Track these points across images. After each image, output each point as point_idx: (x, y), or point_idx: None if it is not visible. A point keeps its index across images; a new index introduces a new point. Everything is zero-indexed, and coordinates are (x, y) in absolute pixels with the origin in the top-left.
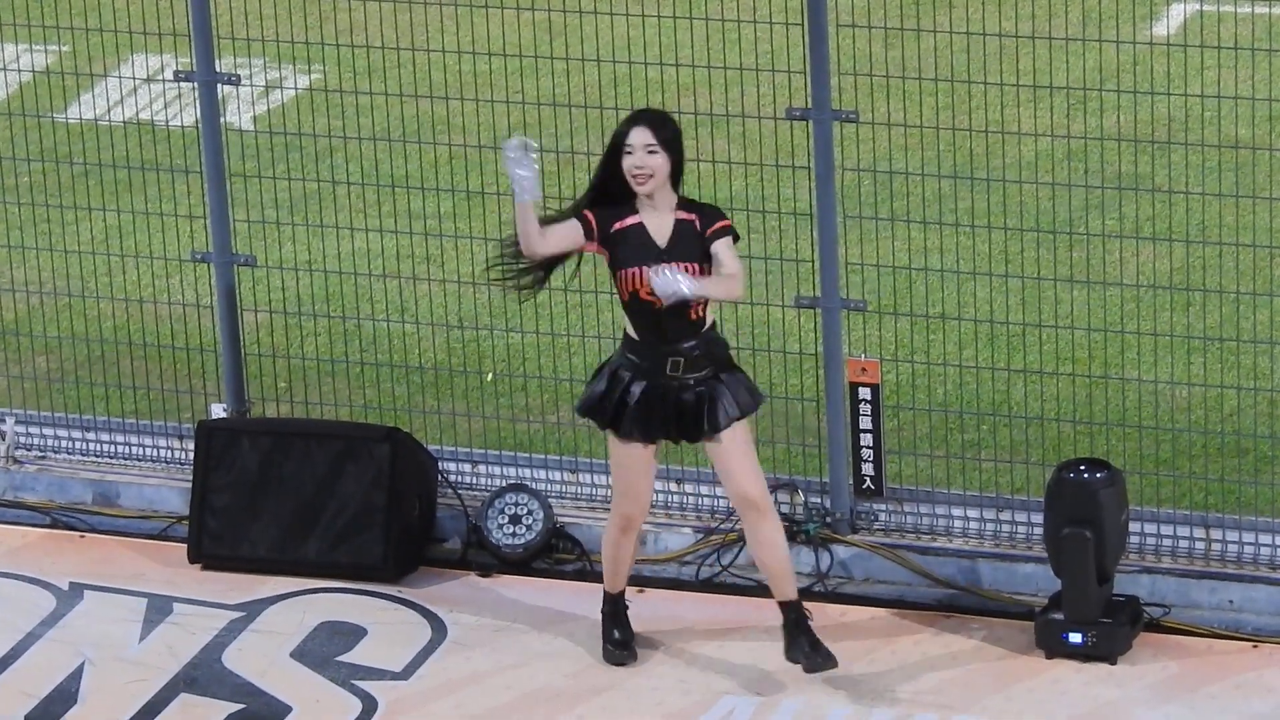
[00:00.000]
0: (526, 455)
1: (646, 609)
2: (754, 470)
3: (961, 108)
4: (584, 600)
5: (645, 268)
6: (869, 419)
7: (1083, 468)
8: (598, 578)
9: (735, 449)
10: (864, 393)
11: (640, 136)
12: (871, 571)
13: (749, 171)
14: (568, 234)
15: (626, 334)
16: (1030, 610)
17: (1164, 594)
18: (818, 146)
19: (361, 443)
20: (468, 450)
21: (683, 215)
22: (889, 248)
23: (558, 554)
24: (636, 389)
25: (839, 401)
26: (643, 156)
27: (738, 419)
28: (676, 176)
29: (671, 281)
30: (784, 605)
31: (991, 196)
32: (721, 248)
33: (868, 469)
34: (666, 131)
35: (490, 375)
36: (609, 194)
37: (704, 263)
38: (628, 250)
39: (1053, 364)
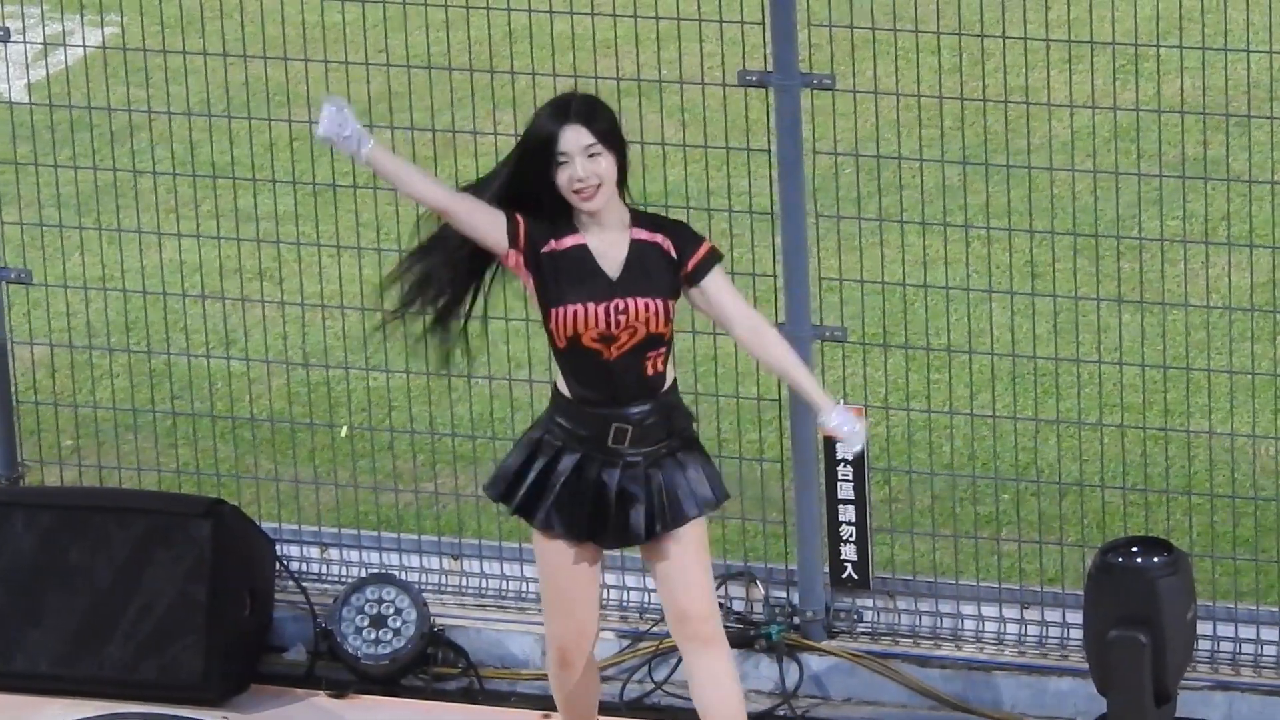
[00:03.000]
0: (394, 536)
1: None
2: (704, 584)
3: (974, 71)
4: None
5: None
6: (850, 486)
7: (1135, 550)
8: (491, 698)
9: (685, 555)
10: (843, 450)
11: (575, 138)
12: (854, 689)
13: (689, 156)
14: (486, 218)
15: (556, 391)
16: None
17: (1245, 717)
18: (781, 123)
19: (175, 520)
20: (315, 530)
21: (642, 235)
22: (877, 258)
23: (436, 666)
24: (565, 465)
25: (810, 463)
26: (584, 164)
27: (694, 518)
28: (623, 177)
29: (855, 432)
30: None
31: (1014, 190)
32: (715, 286)
33: (848, 553)
34: (603, 121)
35: (346, 430)
36: (526, 208)
37: (668, 298)
38: (566, 281)
39: (1096, 413)
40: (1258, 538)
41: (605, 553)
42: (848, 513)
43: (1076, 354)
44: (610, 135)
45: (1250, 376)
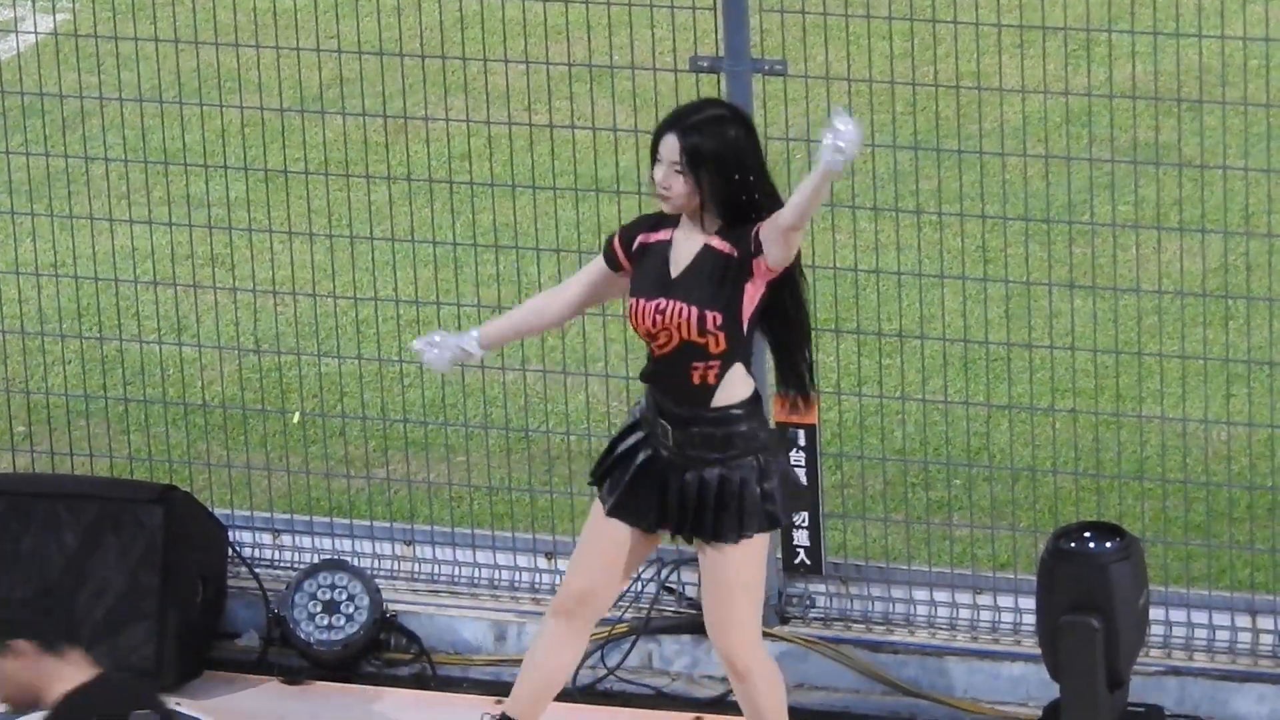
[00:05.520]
0: (346, 522)
1: None
2: (725, 617)
3: (925, 56)
4: (425, 715)
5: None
6: (803, 471)
7: (1088, 535)
8: (444, 684)
9: (713, 582)
10: (795, 436)
11: (669, 148)
12: (807, 675)
13: (641, 142)
14: (591, 281)
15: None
16: None
17: (1196, 702)
18: None
19: (126, 506)
20: (268, 515)
21: (717, 243)
22: (828, 243)
23: (388, 652)
24: (643, 453)
25: None
26: (666, 174)
27: (730, 543)
28: (728, 208)
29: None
30: None
31: (966, 175)
32: (765, 228)
33: (800, 538)
34: (702, 144)
35: (297, 415)
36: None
37: (715, 310)
38: (641, 272)
39: (1048, 398)
40: (1209, 523)
41: (554, 539)
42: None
43: (1028, 339)
44: (695, 162)
45: (1202, 362)
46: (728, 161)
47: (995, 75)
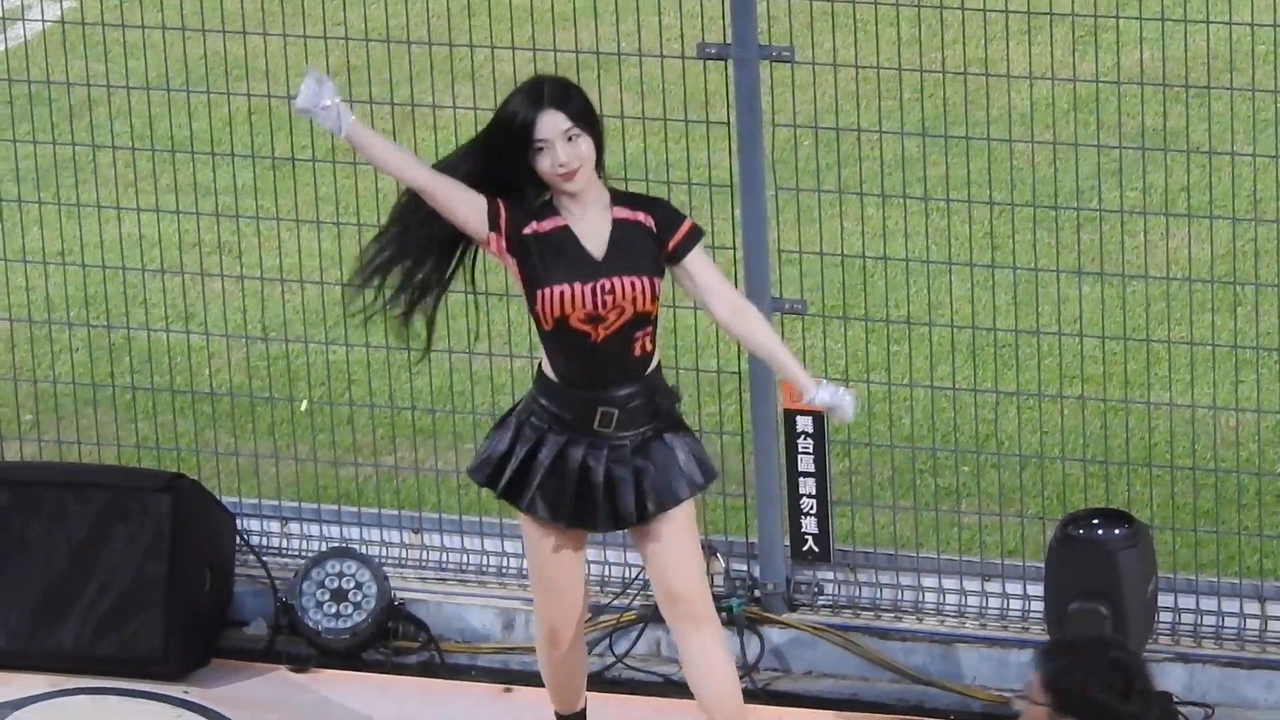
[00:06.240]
0: (354, 510)
1: (515, 714)
2: (694, 564)
3: (933, 43)
4: (433, 703)
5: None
6: (810, 459)
7: (1096, 522)
8: (452, 672)
9: (674, 536)
10: (804, 423)
11: (552, 123)
12: (815, 662)
13: (649, 129)
14: (465, 200)
15: (541, 374)
16: None
17: (1205, 689)
18: (740, 95)
19: (134, 494)
20: (275, 503)
21: (624, 214)
22: (836, 230)
23: (396, 640)
24: (548, 449)
25: (770, 435)
26: (565, 149)
27: (685, 499)
28: (599, 155)
29: (845, 402)
30: None
31: (974, 161)
32: (697, 264)
33: (809, 525)
34: (577, 103)
35: (305, 403)
36: (502, 191)
37: (654, 276)
38: (551, 262)
39: (1056, 384)
40: (1218, 509)
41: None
42: (808, 485)
43: (1036, 326)
44: (586, 116)
45: (1210, 348)
46: (591, 106)
47: (1003, 61)
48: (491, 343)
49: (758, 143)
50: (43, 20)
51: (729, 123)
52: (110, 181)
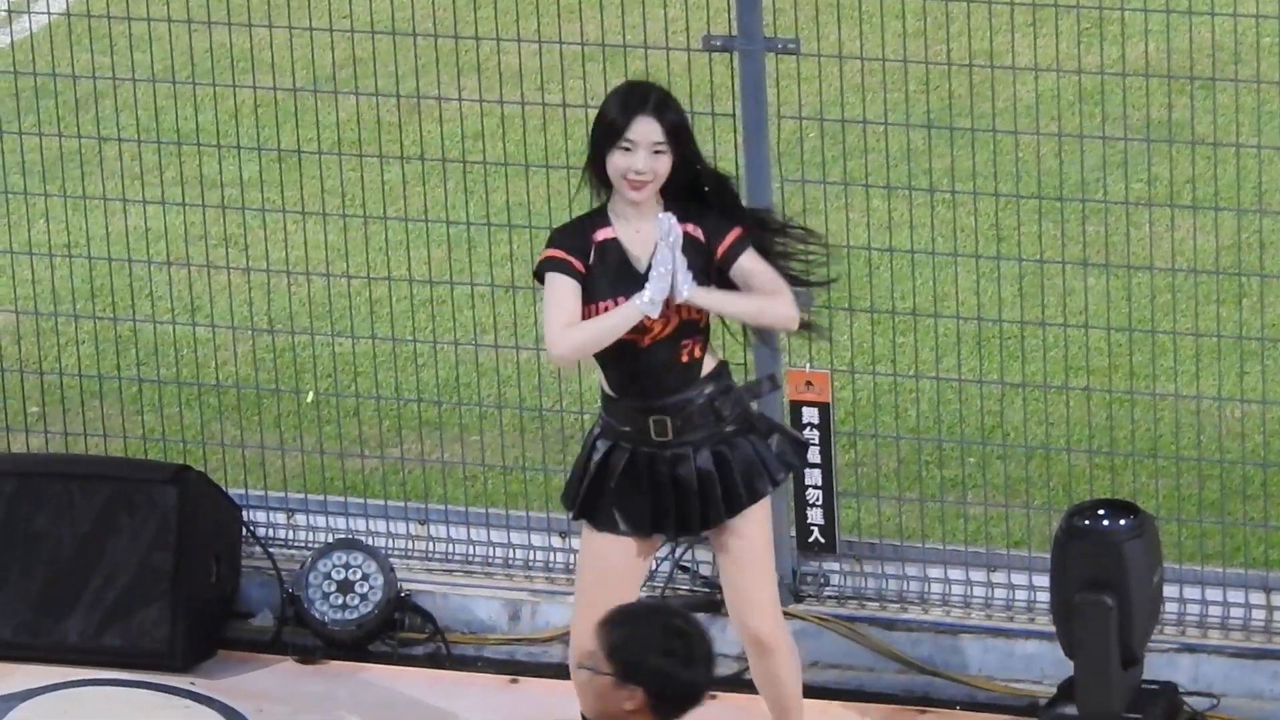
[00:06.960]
0: (360, 502)
1: (521, 705)
2: (762, 587)
3: (938, 34)
4: (439, 694)
5: (622, 298)
6: (816, 450)
7: (1102, 513)
8: (458, 663)
9: (744, 555)
10: (809, 415)
11: (646, 131)
12: (821, 653)
13: None
14: (578, 303)
15: (603, 391)
16: (1033, 703)
17: (1210, 680)
18: (745, 87)
19: (140, 486)
20: (282, 495)
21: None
22: (841, 222)
23: (403, 631)
24: (616, 461)
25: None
26: (647, 159)
27: (746, 506)
28: (678, 184)
29: (667, 256)
30: None
31: (979, 153)
32: (748, 262)
33: (814, 517)
34: (675, 120)
35: (311, 395)
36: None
37: (707, 283)
38: (601, 275)
39: (1061, 376)
40: (1223, 500)
41: (568, 516)
42: (814, 477)
43: (1042, 317)
44: (677, 134)
45: (1215, 339)
46: (692, 135)
47: (1008, 53)
48: (498, 334)
49: (763, 135)
50: (49, 13)
51: (735, 115)
52: (116, 174)
